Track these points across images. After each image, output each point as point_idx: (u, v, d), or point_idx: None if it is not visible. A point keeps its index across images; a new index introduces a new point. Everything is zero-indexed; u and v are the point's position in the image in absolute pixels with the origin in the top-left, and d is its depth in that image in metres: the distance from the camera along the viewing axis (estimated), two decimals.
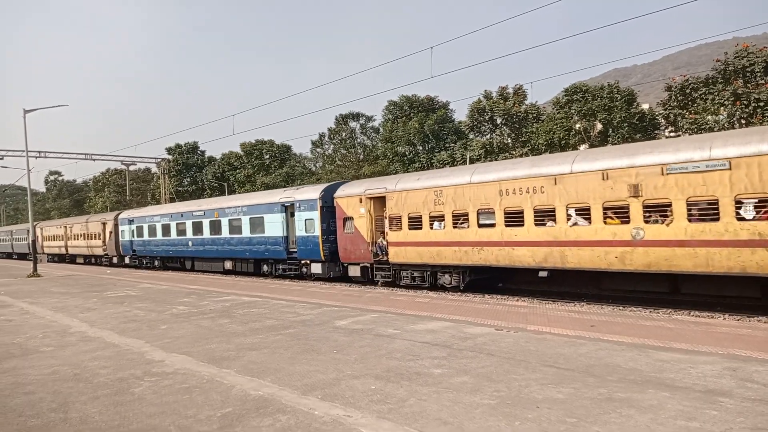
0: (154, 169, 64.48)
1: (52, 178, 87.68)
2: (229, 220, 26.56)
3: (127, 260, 38.11)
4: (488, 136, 34.50)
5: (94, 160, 51.17)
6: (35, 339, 11.70)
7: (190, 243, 29.77)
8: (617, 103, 28.91)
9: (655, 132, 28.78)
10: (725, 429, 5.26)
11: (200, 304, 16.38)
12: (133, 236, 36.28)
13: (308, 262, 22.39)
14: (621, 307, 13.18)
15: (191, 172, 59.24)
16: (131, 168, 62.30)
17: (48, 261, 54.20)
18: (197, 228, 29.15)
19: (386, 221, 18.89)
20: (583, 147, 29.15)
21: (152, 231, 33.57)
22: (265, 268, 25.30)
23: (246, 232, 25.33)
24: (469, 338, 9.87)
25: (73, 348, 10.55)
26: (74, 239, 46.97)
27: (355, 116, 50.90)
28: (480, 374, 7.50)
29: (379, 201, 19.46)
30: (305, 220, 21.96)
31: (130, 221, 36.53)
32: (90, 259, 45.86)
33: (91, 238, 43.11)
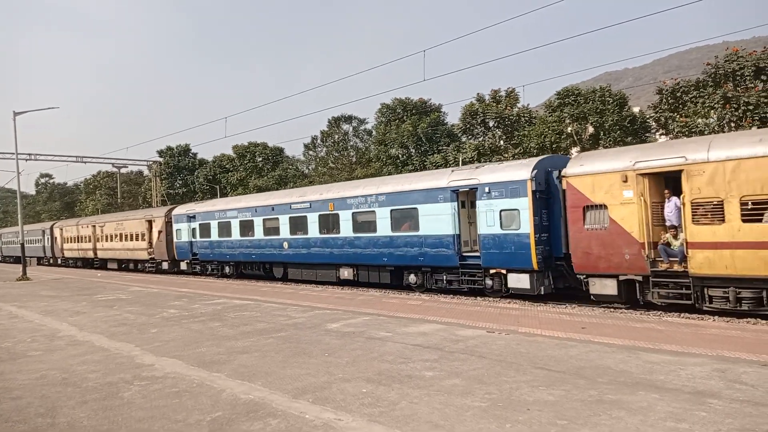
0: (146, 172, 64.17)
1: (42, 180, 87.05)
2: (353, 213, 19.98)
3: (183, 266, 30.64)
4: (481, 139, 34.60)
5: (85, 162, 50.91)
6: (23, 343, 11.58)
7: (285, 244, 22.81)
8: (609, 106, 29.08)
9: (646, 135, 28.95)
10: (714, 430, 5.28)
11: (191, 307, 16.29)
12: (193, 236, 29.01)
13: (502, 271, 15.68)
14: (611, 310, 13.22)
15: (182, 174, 58.93)
16: (122, 171, 62.04)
17: (70, 266, 46.92)
18: (298, 224, 22.35)
19: (683, 209, 12.16)
20: (574, 150, 29.29)
21: (224, 229, 26.64)
22: (411, 278, 18.49)
23: (383, 229, 18.84)
24: (460, 341, 9.87)
25: (62, 352, 10.46)
26: (106, 240, 39.22)
27: (348, 119, 50.84)
28: (471, 377, 7.49)
29: (657, 180, 13.02)
30: (500, 211, 15.51)
31: (190, 218, 29.31)
32: (126, 265, 38.40)
33: (131, 239, 35.58)
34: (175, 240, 30.65)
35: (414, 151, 38.04)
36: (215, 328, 12.32)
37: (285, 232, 23.00)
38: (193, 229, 29.12)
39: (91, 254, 42.10)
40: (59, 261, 49.61)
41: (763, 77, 24.04)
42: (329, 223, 21.16)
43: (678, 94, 26.03)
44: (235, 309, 15.42)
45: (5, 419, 6.60)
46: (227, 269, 27.46)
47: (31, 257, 52.76)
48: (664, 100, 26.69)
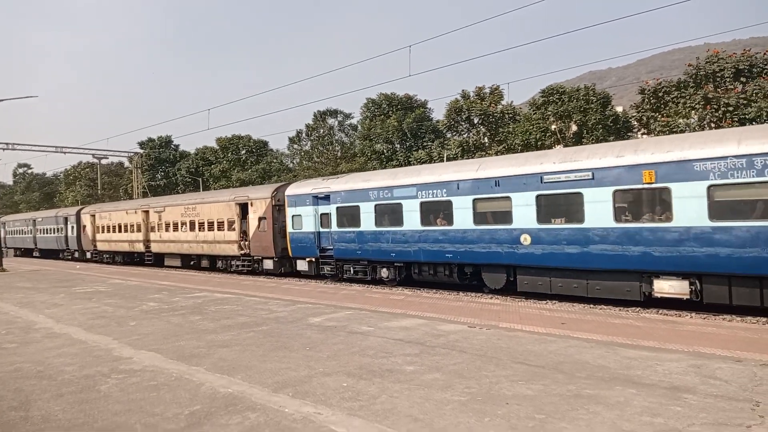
0: (126, 163, 63.31)
1: (20, 170, 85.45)
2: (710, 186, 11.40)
3: (302, 266, 21.76)
4: (465, 135, 34.73)
5: (65, 152, 50.10)
6: None
7: (525, 238, 14.45)
8: (592, 105, 29.37)
9: (628, 134, 29.32)
10: (688, 424, 5.37)
11: (171, 300, 16.12)
12: (324, 225, 20.45)
13: None
14: (591, 306, 13.37)
15: (164, 166, 58.24)
16: (103, 162, 61.14)
17: (105, 262, 36.85)
18: (558, 207, 14.02)
19: None
20: (558, 147, 29.53)
21: (388, 215, 18.03)
22: None
23: None
24: (442, 335, 9.91)
25: (38, 345, 10.28)
26: (166, 230, 30.12)
27: (333, 113, 50.70)
28: (452, 371, 7.52)
29: None
30: None
31: (320, 199, 20.55)
32: (196, 263, 28.64)
33: (210, 229, 26.46)
34: (289, 230, 21.72)
35: (399, 146, 38.05)
36: (195, 322, 12.20)
37: (524, 218, 14.51)
38: (324, 215, 20.38)
39: (140, 247, 32.49)
40: (89, 255, 39.01)
41: (742, 79, 24.46)
42: (646, 203, 12.67)
43: (660, 94, 26.40)
44: (216, 302, 15.29)
45: None
46: (385, 272, 18.57)
47: (43, 249, 46.10)
48: (646, 99, 27.05)
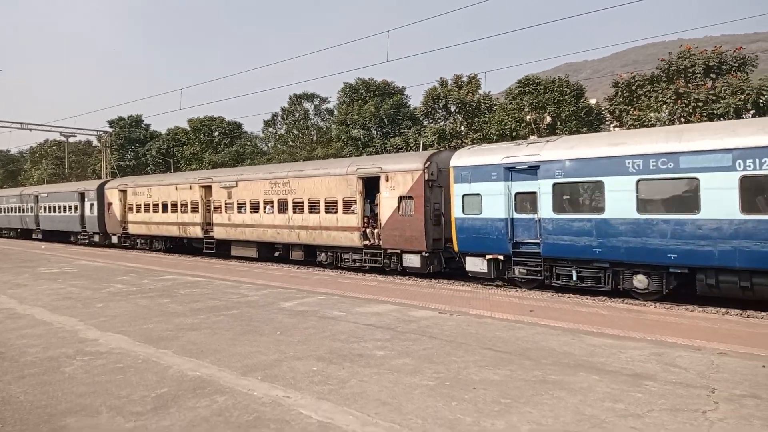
0: (95, 142, 61.70)
1: None
2: None
3: (476, 265, 15.66)
4: (442, 123, 34.80)
5: (31, 130, 48.54)
6: None
7: None
8: (566, 97, 29.71)
9: (601, 126, 29.79)
10: (648, 410, 5.55)
11: (139, 282, 15.87)
12: (528, 208, 14.55)
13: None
14: (559, 294, 13.64)
15: (134, 146, 56.94)
16: (71, 140, 59.47)
17: (138, 248, 29.89)
18: None
19: None
20: (533, 137, 29.84)
21: (667, 196, 12.33)
22: None
23: None
24: (413, 321, 9.99)
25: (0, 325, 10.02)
26: (239, 210, 23.45)
27: (310, 97, 50.23)
28: (421, 356, 7.60)
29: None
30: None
31: (517, 171, 14.73)
32: (283, 253, 22.89)
33: (314, 210, 20.29)
34: (455, 215, 15.91)
35: (375, 132, 37.92)
36: (164, 305, 12.05)
37: None
38: (524, 195, 14.60)
39: (196, 232, 25.79)
40: (115, 240, 31.70)
41: (712, 75, 25.01)
42: None
43: (633, 88, 26.82)
44: (186, 285, 15.11)
45: None
46: (643, 280, 12.79)
47: (50, 231, 38.20)
48: (620, 93, 27.46)
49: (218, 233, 24.55)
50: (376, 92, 39.18)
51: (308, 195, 20.42)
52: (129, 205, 30.32)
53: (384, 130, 37.58)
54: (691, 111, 23.69)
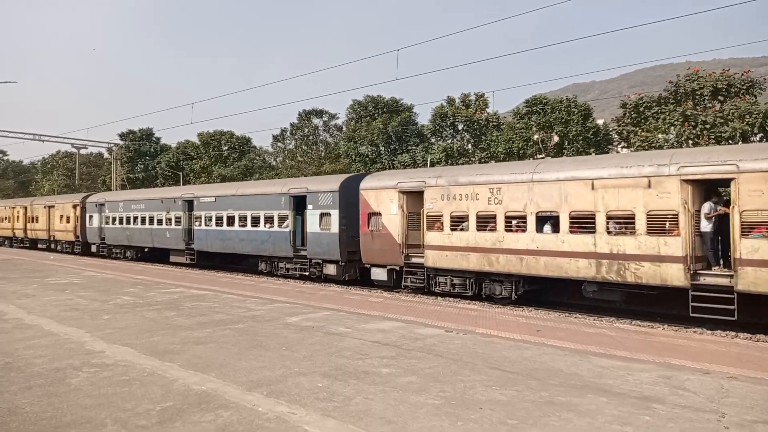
0: (106, 154, 62.32)
1: None
2: None
3: None
4: (449, 141, 34.91)
5: (43, 141, 49.11)
6: None
7: None
8: (574, 117, 29.77)
9: (608, 147, 29.76)
10: None
11: (147, 295, 15.91)
12: None
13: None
14: (566, 314, 13.54)
15: (144, 159, 57.42)
16: (82, 152, 60.07)
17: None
18: None
19: None
20: (540, 157, 29.87)
21: None
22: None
23: None
24: (419, 339, 9.95)
25: (7, 335, 10.07)
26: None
27: (319, 113, 50.55)
28: (427, 375, 7.56)
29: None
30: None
31: None
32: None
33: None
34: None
35: (383, 149, 38.10)
36: (170, 318, 12.06)
37: None
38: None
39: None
40: (385, 277, 18.48)
41: (720, 98, 25.01)
42: None
43: (641, 109, 26.83)
44: (193, 299, 15.13)
45: None
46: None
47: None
48: (627, 114, 27.47)
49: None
50: (385, 109, 39.45)
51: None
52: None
53: (392, 146, 37.74)
54: (698, 133, 23.66)
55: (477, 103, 34.67)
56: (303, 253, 21.09)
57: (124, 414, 5.96)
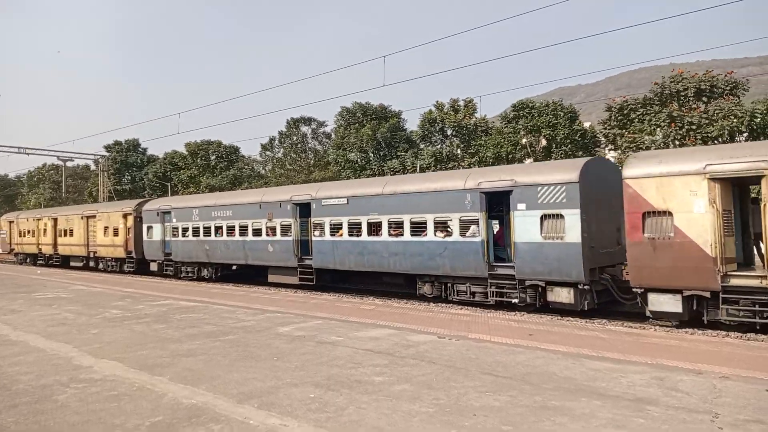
0: (92, 166, 61.83)
1: None
2: None
3: None
4: (438, 146, 35.00)
5: (28, 154, 48.61)
6: None
7: None
8: (560, 120, 29.97)
9: (596, 149, 29.98)
10: None
11: (135, 308, 15.72)
12: None
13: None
14: (558, 317, 13.55)
15: (131, 171, 57.02)
16: (68, 164, 59.53)
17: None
18: None
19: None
20: (528, 161, 30.01)
21: None
22: None
23: None
24: (411, 346, 9.89)
25: None
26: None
27: (307, 120, 50.53)
28: (420, 382, 7.50)
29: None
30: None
31: None
32: None
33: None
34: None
35: (372, 155, 38.11)
36: (159, 330, 11.91)
37: None
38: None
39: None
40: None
41: (704, 99, 25.31)
42: None
43: (626, 112, 27.06)
44: (182, 311, 14.97)
45: None
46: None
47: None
48: (613, 116, 27.69)
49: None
50: (373, 116, 39.50)
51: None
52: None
53: (381, 153, 37.77)
54: (684, 134, 23.90)
55: (465, 108, 34.83)
56: (506, 271, 15.28)
57: (113, 430, 5.85)
